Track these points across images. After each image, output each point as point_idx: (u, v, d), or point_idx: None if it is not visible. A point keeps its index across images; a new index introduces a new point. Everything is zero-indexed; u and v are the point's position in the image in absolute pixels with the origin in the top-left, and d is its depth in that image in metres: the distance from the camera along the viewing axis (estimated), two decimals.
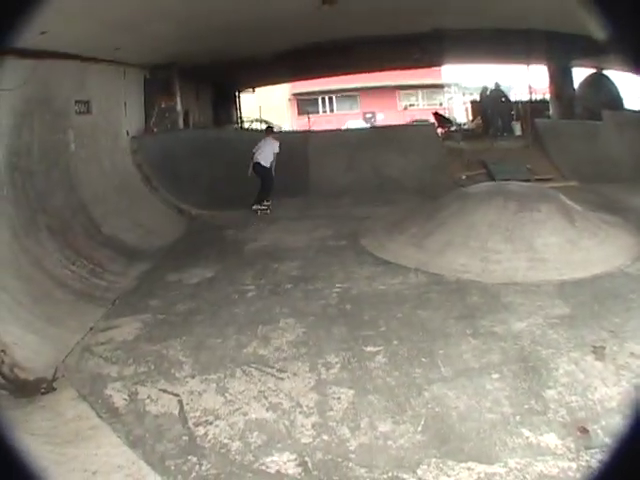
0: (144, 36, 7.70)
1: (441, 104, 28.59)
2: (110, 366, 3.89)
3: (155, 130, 10.55)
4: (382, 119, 27.06)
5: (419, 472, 2.59)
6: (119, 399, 3.43)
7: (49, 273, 5.04)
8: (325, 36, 11.31)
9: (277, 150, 9.00)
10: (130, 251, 6.63)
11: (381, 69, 18.35)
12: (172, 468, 2.74)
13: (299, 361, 3.79)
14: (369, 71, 18.84)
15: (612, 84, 14.28)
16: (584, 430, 2.77)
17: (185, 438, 2.98)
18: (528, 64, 13.61)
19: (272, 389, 3.44)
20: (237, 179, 9.00)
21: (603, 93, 13.83)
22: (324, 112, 29.40)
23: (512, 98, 15.89)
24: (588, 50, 11.33)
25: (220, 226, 8.23)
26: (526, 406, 3.05)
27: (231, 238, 7.56)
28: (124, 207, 7.71)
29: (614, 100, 13.78)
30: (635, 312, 4.18)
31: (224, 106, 17.42)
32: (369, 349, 3.90)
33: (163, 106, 10.90)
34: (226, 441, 2.93)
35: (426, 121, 16.90)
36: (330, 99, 30.20)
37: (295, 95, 27.39)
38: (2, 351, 3.59)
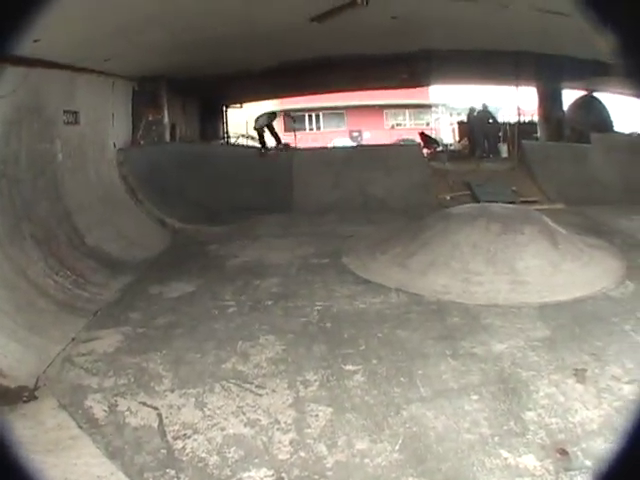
0: (135, 47, 7.77)
1: (428, 124, 29.07)
2: (91, 377, 3.92)
3: (142, 142, 10.57)
4: (369, 138, 27.39)
5: None
6: (99, 410, 3.46)
7: (33, 282, 5.04)
8: (313, 53, 11.46)
9: None
10: (113, 262, 6.64)
11: (368, 88, 18.52)
12: None
13: (278, 378, 3.84)
14: (356, 89, 19.01)
15: (602, 107, 14.47)
16: (563, 452, 2.80)
17: (164, 451, 3.02)
18: (517, 85, 13.70)
19: (250, 405, 3.48)
20: (223, 194, 9.06)
21: (593, 115, 13.98)
22: (311, 129, 29.68)
23: (500, 119, 16.07)
24: (578, 72, 11.57)
25: (203, 241, 8.25)
26: (505, 427, 3.09)
27: (214, 253, 7.58)
28: (108, 218, 7.72)
29: (604, 123, 13.92)
30: (617, 335, 4.23)
31: (211, 121, 17.52)
32: (348, 367, 3.95)
33: (150, 119, 10.93)
34: (204, 455, 2.97)
35: (413, 141, 17.11)
36: (317, 116, 30.52)
37: (282, 112, 27.59)
38: None
